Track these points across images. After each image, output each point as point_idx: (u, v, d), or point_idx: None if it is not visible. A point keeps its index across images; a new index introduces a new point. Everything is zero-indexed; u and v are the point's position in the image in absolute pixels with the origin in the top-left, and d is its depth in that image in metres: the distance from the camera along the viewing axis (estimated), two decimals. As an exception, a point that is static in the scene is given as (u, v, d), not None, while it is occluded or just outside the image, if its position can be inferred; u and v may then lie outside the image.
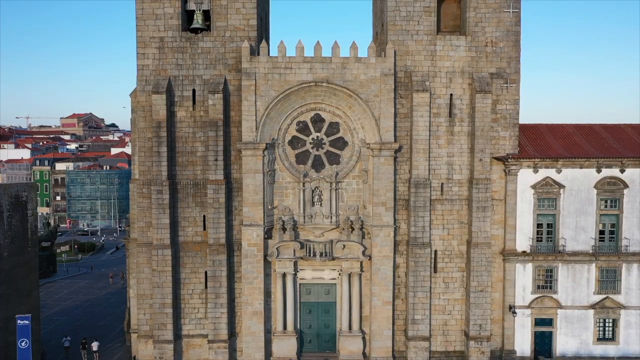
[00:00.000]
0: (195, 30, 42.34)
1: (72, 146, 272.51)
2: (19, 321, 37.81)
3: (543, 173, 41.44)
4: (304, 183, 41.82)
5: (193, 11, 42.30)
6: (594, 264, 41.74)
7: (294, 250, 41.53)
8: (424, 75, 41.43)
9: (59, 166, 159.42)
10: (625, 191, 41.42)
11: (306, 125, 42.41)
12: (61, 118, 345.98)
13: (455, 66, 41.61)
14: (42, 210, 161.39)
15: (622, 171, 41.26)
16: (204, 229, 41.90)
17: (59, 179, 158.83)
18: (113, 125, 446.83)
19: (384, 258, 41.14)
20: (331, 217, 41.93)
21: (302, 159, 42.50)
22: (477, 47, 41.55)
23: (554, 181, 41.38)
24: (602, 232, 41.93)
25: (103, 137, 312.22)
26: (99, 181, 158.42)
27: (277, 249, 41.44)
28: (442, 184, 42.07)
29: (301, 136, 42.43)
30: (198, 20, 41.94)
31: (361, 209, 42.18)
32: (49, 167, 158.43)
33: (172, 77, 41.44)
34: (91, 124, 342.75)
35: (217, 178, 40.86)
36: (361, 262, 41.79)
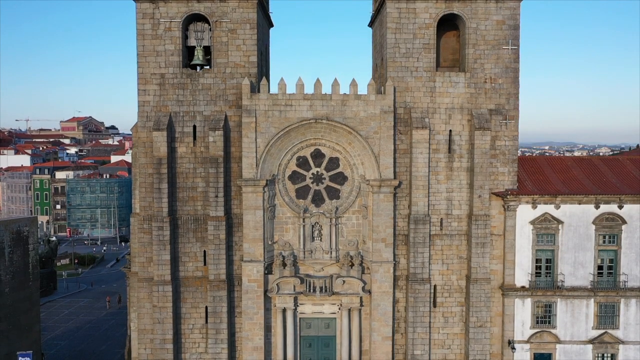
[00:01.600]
0: (196, 67, 42.64)
1: (72, 150, 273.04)
2: (20, 358, 38.10)
3: (542, 209, 41.64)
4: (304, 218, 42.04)
5: (194, 47, 42.59)
6: (592, 299, 41.95)
7: (294, 286, 41.74)
8: (424, 112, 41.63)
9: (59, 175, 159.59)
10: (624, 227, 41.62)
11: (306, 160, 42.61)
12: (61, 122, 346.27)
13: (454, 102, 41.81)
14: (42, 218, 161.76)
15: (620, 207, 41.46)
16: (205, 264, 42.11)
17: (59, 188, 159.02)
18: (113, 127, 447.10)
19: (383, 294, 41.36)
20: (331, 252, 42.15)
21: (302, 193, 42.71)
22: (476, 84, 41.74)
23: (553, 217, 41.58)
24: (600, 268, 42.15)
25: (103, 142, 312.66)
26: (98, 190, 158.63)
27: (277, 284, 41.65)
28: (441, 219, 42.28)
29: (301, 171, 42.64)
30: (199, 57, 42.21)
31: (361, 244, 42.40)
32: (48, 176, 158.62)
33: (173, 113, 41.64)
34: (91, 127, 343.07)
35: (217, 215, 41.06)
36: (361, 297, 42.00)
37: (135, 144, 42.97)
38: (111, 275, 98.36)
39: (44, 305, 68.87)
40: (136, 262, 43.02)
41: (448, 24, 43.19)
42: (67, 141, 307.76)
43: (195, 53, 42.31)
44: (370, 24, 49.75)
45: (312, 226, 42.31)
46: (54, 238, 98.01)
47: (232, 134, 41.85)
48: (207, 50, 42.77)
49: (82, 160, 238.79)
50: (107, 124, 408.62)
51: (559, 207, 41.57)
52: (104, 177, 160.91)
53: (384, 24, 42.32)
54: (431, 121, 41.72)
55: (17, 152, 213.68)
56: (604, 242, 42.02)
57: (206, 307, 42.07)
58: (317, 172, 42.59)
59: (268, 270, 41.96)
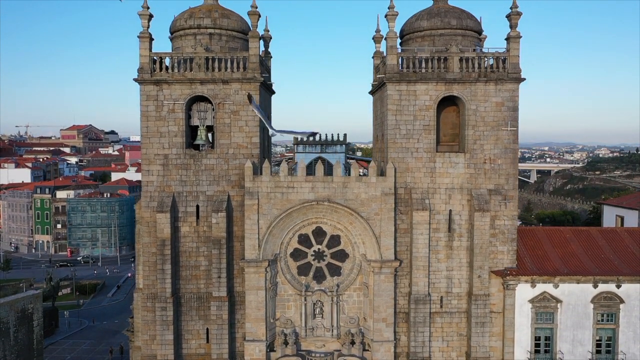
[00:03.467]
0: (199, 147, 43.11)
1: (72, 160, 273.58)
2: None
3: (541, 288, 42.15)
4: (305, 296, 42.55)
5: (197, 126, 43.07)
6: (590, 377, 42.51)
7: (296, 364, 42.29)
8: (424, 192, 42.13)
9: (60, 194, 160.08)
10: (622, 306, 42.14)
11: (308, 238, 43.11)
12: (61, 130, 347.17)
13: (454, 183, 42.30)
14: (43, 238, 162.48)
15: (618, 287, 41.97)
16: (207, 341, 42.61)
17: (60, 207, 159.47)
18: (112, 132, 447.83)
19: (384, 373, 41.90)
20: (332, 329, 42.65)
21: (304, 270, 43.21)
22: (476, 164, 42.23)
23: (552, 296, 42.09)
24: (598, 345, 42.64)
25: (102, 150, 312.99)
26: (99, 209, 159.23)
27: (279, 363, 42.19)
28: (441, 297, 42.79)
29: (303, 248, 43.14)
30: (202, 137, 42.73)
31: (362, 321, 42.92)
32: (49, 195, 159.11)
33: (176, 193, 42.13)
34: (91, 135, 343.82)
35: (220, 295, 41.56)
36: (362, 374, 42.53)
37: (139, 221, 43.45)
38: (113, 307, 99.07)
39: (46, 349, 69.37)
40: (139, 338, 43.51)
41: (448, 99, 43.65)
42: (67, 150, 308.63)
43: (199, 133, 42.82)
44: (372, 92, 50.18)
45: (314, 303, 42.82)
46: (56, 276, 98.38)
47: (235, 214, 42.34)
48: (209, 129, 43.27)
49: (82, 174, 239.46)
50: (106, 129, 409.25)
51: (558, 286, 42.08)
52: (105, 196, 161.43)
53: (385, 103, 42.79)
54: (431, 201, 42.22)
55: (17, 166, 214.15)
56: (602, 320, 42.53)
57: (209, 384, 42.59)
58: (319, 249, 43.10)
59: (270, 347, 42.46)
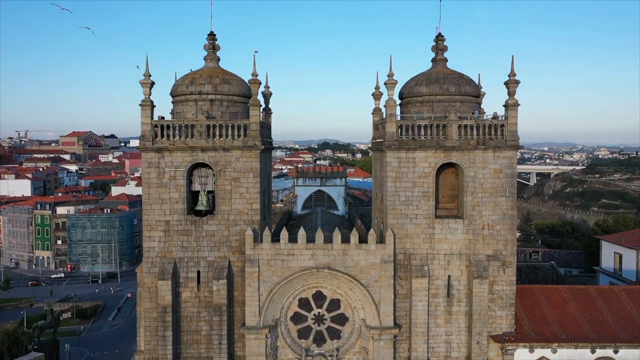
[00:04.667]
0: (200, 212, 43.46)
1: (72, 168, 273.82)
2: None
3: (539, 353, 42.58)
4: (305, 361, 42.99)
5: (198, 192, 43.44)
6: None
7: None
8: (423, 258, 42.52)
9: (60, 210, 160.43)
10: (619, 371, 42.58)
11: (308, 301, 43.50)
12: (61, 136, 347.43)
13: (453, 248, 42.70)
14: (44, 254, 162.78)
15: (615, 352, 42.39)
16: (209, 405, 43.03)
17: (60, 223, 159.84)
18: (112, 136, 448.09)
19: None
20: (332, 393, 43.08)
21: (304, 333, 43.60)
22: (474, 230, 42.62)
23: (549, 361, 42.53)
24: (596, 409, 43.06)
25: (102, 158, 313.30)
26: (99, 225, 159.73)
27: None
28: (440, 361, 43.20)
29: (303, 312, 43.53)
30: (203, 202, 43.10)
31: (361, 385, 43.33)
32: (49, 212, 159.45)
33: (178, 259, 42.52)
34: (91, 142, 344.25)
35: (221, 361, 41.98)
36: None
37: (140, 284, 43.80)
38: (113, 334, 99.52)
39: (48, 386, 69.75)
40: (141, 401, 43.89)
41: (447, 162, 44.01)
42: (67, 157, 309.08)
43: (200, 198, 43.19)
44: (371, 148, 50.53)
45: (314, 368, 43.26)
46: (57, 309, 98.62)
47: (236, 279, 42.74)
48: (210, 194, 43.64)
49: (82, 183, 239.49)
50: (105, 132, 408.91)
51: (556, 351, 42.50)
52: (105, 211, 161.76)
53: (385, 169, 43.16)
54: (430, 267, 42.62)
55: (17, 177, 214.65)
56: (599, 385, 42.95)
57: None
58: (319, 313, 43.49)
59: (270, 411, 42.87)
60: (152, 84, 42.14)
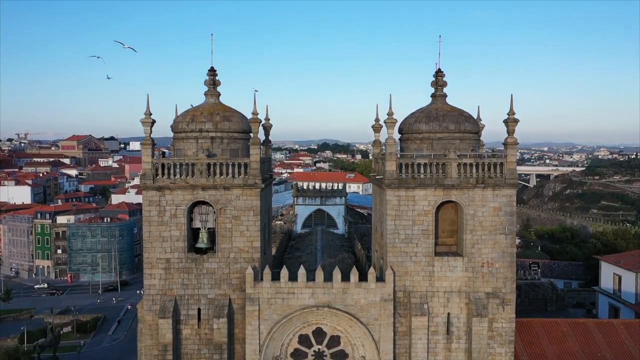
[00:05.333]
0: (200, 250, 43.64)
1: (72, 173, 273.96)
2: None
3: (537, 390, 42.84)
4: (306, 398, 43.19)
5: (198, 229, 43.63)
6: None
7: None
8: (422, 296, 42.71)
9: (60, 219, 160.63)
10: (617, 408, 42.82)
11: (308, 338, 43.66)
12: (61, 140, 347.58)
13: (452, 286, 42.88)
14: (44, 263, 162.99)
15: (613, 389, 42.67)
16: None
17: (60, 232, 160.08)
18: (112, 138, 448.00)
19: None
20: None
21: (304, 370, 43.83)
22: (474, 268, 42.80)
23: (548, 398, 42.77)
24: None
25: (102, 162, 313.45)
26: (99, 234, 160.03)
27: None
28: (439, 398, 43.40)
29: (303, 348, 43.69)
30: (203, 240, 43.28)
31: (361, 421, 43.53)
32: (50, 221, 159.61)
33: (178, 296, 42.70)
34: (91, 146, 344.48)
35: (221, 399, 42.17)
36: None
37: (141, 321, 43.98)
38: (113, 349, 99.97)
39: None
40: None
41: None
42: (67, 161, 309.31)
43: (200, 236, 43.36)
44: (371, 181, 50.72)
45: (315, 406, 43.45)
46: (57, 328, 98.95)
47: (236, 316, 42.93)
48: (211, 230, 43.82)
49: (82, 188, 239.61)
50: (105, 134, 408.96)
51: (554, 388, 42.76)
52: (105, 220, 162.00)
53: (384, 206, 43.34)
54: (430, 304, 42.82)
55: (17, 183, 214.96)
56: (598, 422, 43.21)
57: None
58: (319, 349, 43.64)
59: None
60: (153, 122, 42.28)
